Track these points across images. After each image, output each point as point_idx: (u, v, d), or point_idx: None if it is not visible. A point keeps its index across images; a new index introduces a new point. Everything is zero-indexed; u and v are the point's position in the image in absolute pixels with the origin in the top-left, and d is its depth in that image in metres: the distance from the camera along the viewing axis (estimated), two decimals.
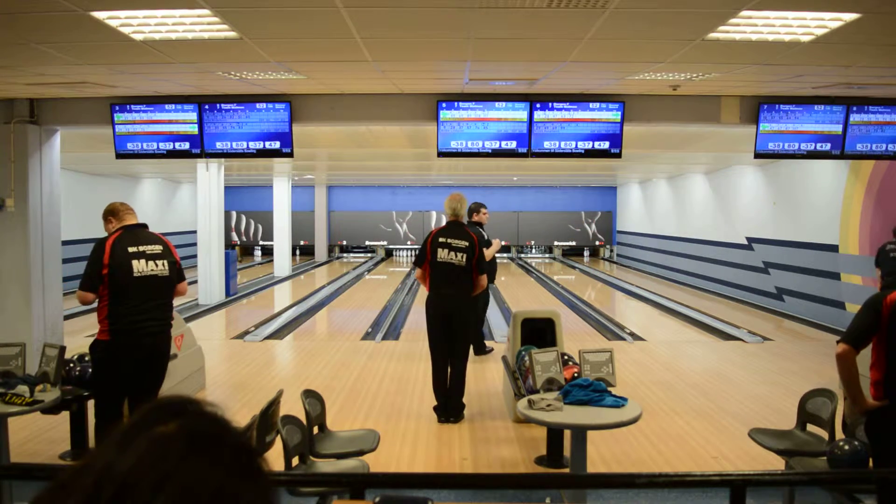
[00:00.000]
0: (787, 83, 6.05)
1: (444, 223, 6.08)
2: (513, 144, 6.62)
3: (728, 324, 10.71)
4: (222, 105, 6.60)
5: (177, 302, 4.92)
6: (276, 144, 6.65)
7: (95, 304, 4.45)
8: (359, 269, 20.17)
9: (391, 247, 24.23)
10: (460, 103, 6.58)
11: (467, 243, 5.76)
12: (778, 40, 4.47)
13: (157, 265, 4.51)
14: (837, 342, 3.24)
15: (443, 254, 5.76)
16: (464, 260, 5.73)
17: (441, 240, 5.80)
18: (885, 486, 2.80)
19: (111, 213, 4.59)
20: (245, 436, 0.73)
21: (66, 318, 8.43)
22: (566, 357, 5.13)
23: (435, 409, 5.86)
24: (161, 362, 4.66)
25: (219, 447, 0.69)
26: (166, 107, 6.64)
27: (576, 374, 4.63)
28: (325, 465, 3.79)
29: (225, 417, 0.73)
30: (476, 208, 7.91)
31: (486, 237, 7.53)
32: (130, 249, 4.43)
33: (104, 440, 0.69)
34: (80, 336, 9.34)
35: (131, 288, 4.39)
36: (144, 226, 4.67)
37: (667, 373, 7.57)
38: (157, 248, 4.57)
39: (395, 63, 5.42)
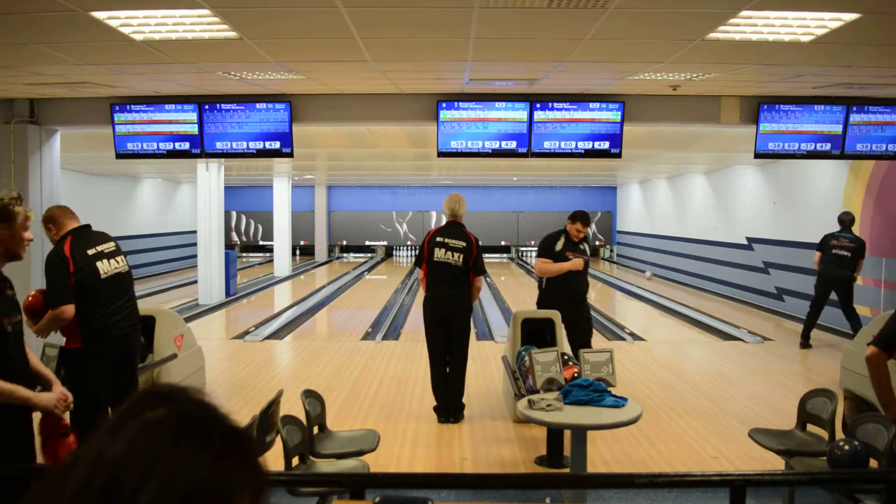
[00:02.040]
0: (787, 83, 6.05)
1: (443, 223, 6.04)
2: (513, 144, 6.62)
3: (728, 324, 10.72)
4: (222, 105, 6.60)
5: (177, 302, 4.93)
6: (276, 144, 6.66)
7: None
8: (359, 269, 20.17)
9: (391, 246, 24.25)
10: (460, 103, 6.58)
11: (465, 244, 5.73)
12: (778, 40, 4.47)
13: (118, 262, 4.40)
14: (868, 344, 3.16)
15: (440, 253, 5.73)
16: (460, 260, 5.70)
17: (438, 239, 5.77)
18: (892, 487, 2.79)
19: (49, 220, 4.28)
20: (233, 420, 0.74)
21: None
22: (566, 357, 5.12)
23: (435, 409, 5.86)
24: (135, 362, 4.55)
25: (208, 430, 0.70)
26: (166, 107, 6.64)
27: (576, 374, 4.63)
28: (325, 466, 3.79)
29: (214, 403, 0.74)
30: (574, 217, 6.34)
31: (584, 248, 6.40)
32: (90, 252, 4.26)
33: (97, 429, 0.69)
34: None
35: (101, 290, 4.25)
36: (89, 226, 4.43)
37: (667, 373, 7.57)
38: (112, 246, 4.44)
39: (395, 63, 5.42)
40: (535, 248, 26.36)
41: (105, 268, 4.33)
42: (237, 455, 0.70)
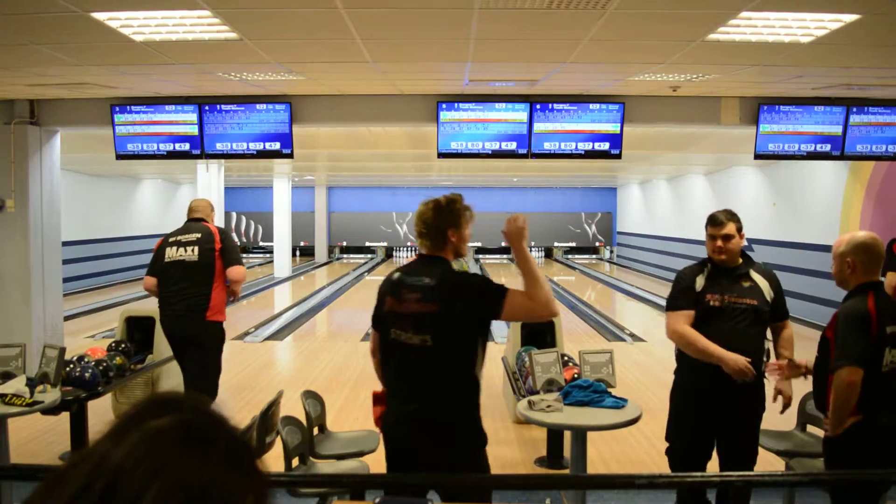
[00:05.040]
0: (786, 84, 6.05)
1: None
2: (513, 145, 6.62)
3: None
4: (222, 106, 6.60)
5: None
6: (276, 145, 6.65)
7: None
8: (359, 270, 20.17)
9: (391, 247, 24.24)
10: (460, 104, 6.58)
11: None
12: (778, 41, 4.48)
13: (185, 251, 4.89)
14: (840, 367, 2.90)
15: None
16: None
17: None
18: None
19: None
20: (239, 432, 0.74)
21: (66, 318, 8.43)
22: (566, 358, 5.13)
23: None
24: (195, 347, 4.91)
25: (212, 442, 0.70)
26: (166, 108, 6.64)
27: (576, 375, 4.63)
28: (326, 466, 3.79)
29: (221, 413, 0.74)
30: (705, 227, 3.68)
31: (750, 284, 3.56)
32: (171, 239, 4.97)
33: (102, 433, 0.70)
34: (80, 337, 9.35)
35: (164, 273, 4.90)
36: (198, 220, 5.09)
37: (667, 374, 7.54)
38: (193, 237, 4.93)
39: (395, 64, 5.42)
40: (535, 248, 26.61)
41: (171, 253, 4.92)
42: (239, 465, 0.70)
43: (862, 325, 2.93)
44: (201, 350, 4.89)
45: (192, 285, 4.84)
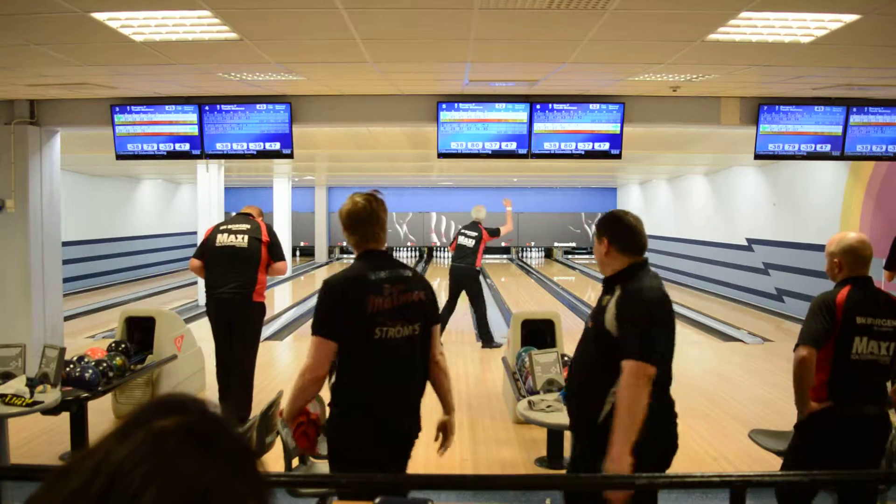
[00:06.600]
0: (787, 84, 6.05)
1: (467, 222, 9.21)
2: (513, 145, 6.61)
3: (728, 325, 10.71)
4: (222, 106, 6.59)
5: (177, 303, 5.09)
6: (276, 145, 6.65)
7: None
8: None
9: (391, 247, 24.24)
10: (460, 104, 6.58)
11: (476, 234, 8.91)
12: (778, 42, 4.48)
13: (236, 238, 5.38)
14: (796, 347, 3.18)
15: (461, 239, 9.00)
16: (472, 243, 8.84)
17: (462, 230, 9.13)
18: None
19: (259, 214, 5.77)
20: (243, 436, 0.74)
21: (66, 318, 8.43)
22: (566, 358, 5.13)
23: None
24: (239, 330, 5.36)
25: (215, 445, 0.70)
26: (166, 108, 6.63)
27: None
28: (326, 466, 3.79)
29: (226, 417, 0.74)
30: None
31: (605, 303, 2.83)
32: (221, 227, 5.52)
33: (109, 431, 0.70)
34: (80, 337, 9.35)
35: (212, 257, 5.37)
36: (247, 215, 5.66)
37: None
38: (244, 227, 5.47)
39: (395, 64, 5.42)
40: (535, 248, 26.32)
41: (221, 239, 5.41)
42: (241, 471, 0.70)
43: (822, 311, 3.15)
44: (248, 328, 5.43)
45: (239, 270, 5.32)
